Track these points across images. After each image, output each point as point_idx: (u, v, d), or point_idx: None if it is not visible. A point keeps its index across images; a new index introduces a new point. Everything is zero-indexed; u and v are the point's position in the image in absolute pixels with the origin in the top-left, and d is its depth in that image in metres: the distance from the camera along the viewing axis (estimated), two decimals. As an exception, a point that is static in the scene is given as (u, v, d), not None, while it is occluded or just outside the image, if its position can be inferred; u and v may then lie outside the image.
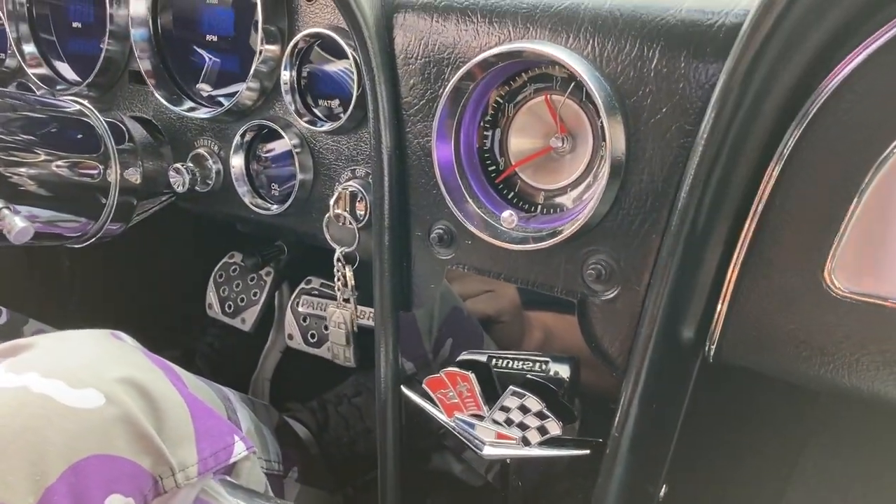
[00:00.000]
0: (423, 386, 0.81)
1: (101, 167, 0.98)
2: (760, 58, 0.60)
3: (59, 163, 0.93)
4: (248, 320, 1.56)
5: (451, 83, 0.73)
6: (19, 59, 1.14)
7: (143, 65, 1.00)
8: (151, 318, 1.62)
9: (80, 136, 0.96)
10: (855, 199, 0.62)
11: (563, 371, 0.78)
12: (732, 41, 0.62)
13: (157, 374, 0.75)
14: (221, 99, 1.03)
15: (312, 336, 1.41)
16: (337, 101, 0.92)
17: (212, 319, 1.60)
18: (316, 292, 1.41)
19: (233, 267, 1.58)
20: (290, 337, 1.44)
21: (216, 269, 1.59)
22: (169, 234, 1.59)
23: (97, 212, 0.98)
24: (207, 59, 1.00)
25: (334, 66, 0.90)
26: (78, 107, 0.98)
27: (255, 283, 1.55)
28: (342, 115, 0.88)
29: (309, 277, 1.44)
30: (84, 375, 0.69)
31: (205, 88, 1.02)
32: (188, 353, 1.62)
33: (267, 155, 1.00)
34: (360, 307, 1.03)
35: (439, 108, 0.75)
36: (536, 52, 0.70)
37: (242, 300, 1.56)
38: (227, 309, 1.57)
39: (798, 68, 0.63)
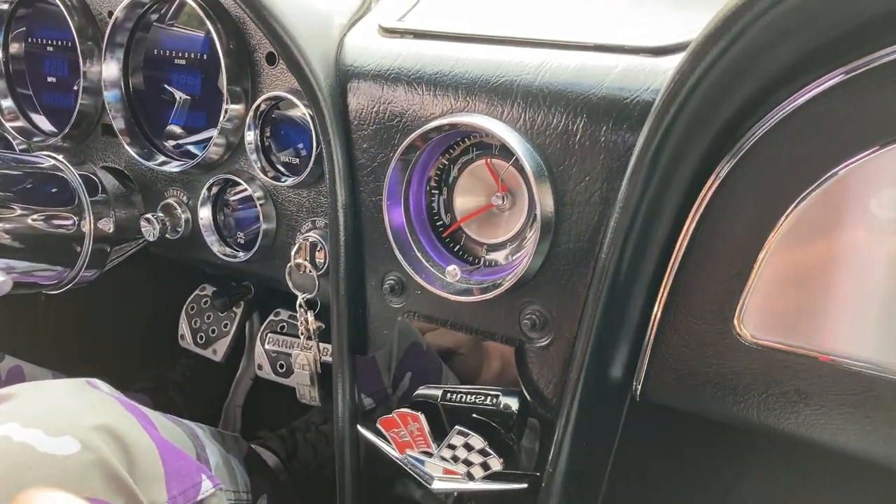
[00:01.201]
0: (378, 425, 0.88)
1: (75, 218, 1.03)
2: (668, 135, 0.68)
3: (35, 216, 0.99)
4: (219, 351, 1.61)
5: (397, 152, 0.81)
6: (-3, 112, 1.20)
7: (117, 123, 1.06)
8: (125, 350, 1.67)
9: (54, 190, 1.02)
10: (760, 257, 0.70)
11: (513, 404, 0.85)
12: (646, 116, 0.70)
13: (129, 420, 0.81)
14: (190, 148, 1.09)
15: (281, 367, 1.47)
16: (300, 153, 0.98)
17: (184, 350, 1.66)
18: (284, 325, 1.48)
19: (204, 299, 1.64)
20: (260, 367, 1.50)
21: (188, 301, 1.65)
22: (141, 268, 1.64)
23: (72, 260, 1.04)
24: (176, 105, 1.06)
25: (298, 114, 0.97)
26: (52, 162, 1.04)
27: (225, 315, 1.61)
28: (303, 169, 0.95)
29: (278, 309, 1.50)
30: (61, 424, 0.75)
31: (173, 135, 1.09)
32: (161, 384, 1.67)
33: (233, 199, 1.06)
34: (324, 345, 1.09)
35: (389, 174, 0.82)
36: (473, 125, 0.77)
37: (214, 331, 1.62)
38: (198, 340, 1.63)
39: (705, 142, 0.70)
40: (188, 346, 1.64)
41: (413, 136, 0.79)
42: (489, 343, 0.86)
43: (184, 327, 1.64)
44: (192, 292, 1.65)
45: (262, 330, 1.49)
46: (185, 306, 1.65)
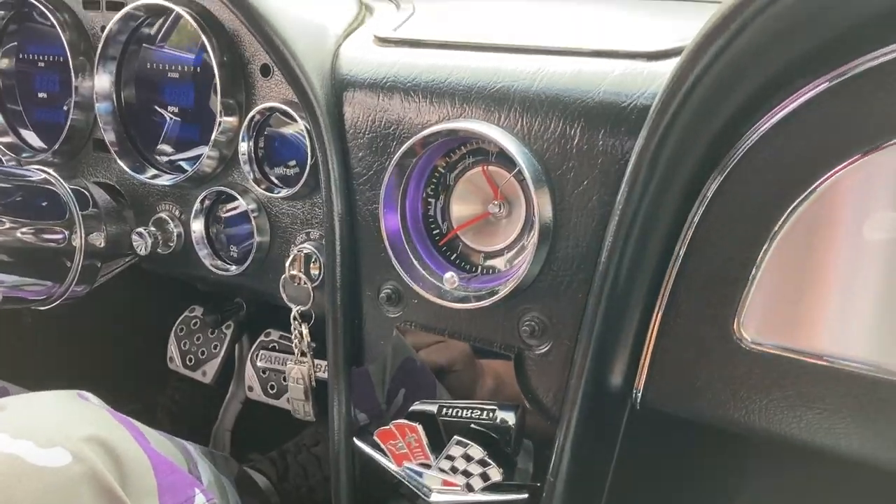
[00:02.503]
0: (374, 437, 0.86)
1: (66, 232, 1.02)
2: (665, 138, 0.68)
3: (25, 230, 0.97)
4: (208, 373, 1.59)
5: (394, 158, 0.80)
6: (-14, 128, 1.19)
7: (108, 136, 1.06)
8: (112, 372, 1.65)
9: (45, 204, 1.01)
10: (758, 260, 0.70)
11: (510, 418, 0.84)
12: (643, 121, 0.70)
13: (121, 431, 0.80)
14: (182, 163, 1.08)
15: (272, 387, 1.45)
16: (293, 167, 0.98)
17: (173, 372, 1.63)
18: (275, 345, 1.46)
19: (193, 321, 1.62)
20: (251, 389, 1.48)
21: (177, 322, 1.63)
22: (130, 289, 1.62)
23: (62, 275, 1.03)
24: (168, 119, 1.06)
25: (289, 131, 0.97)
26: (43, 175, 1.03)
27: (215, 337, 1.59)
28: (297, 181, 0.95)
29: (268, 330, 1.49)
30: (52, 435, 0.74)
31: (165, 151, 1.08)
32: (149, 407, 1.65)
33: (226, 216, 1.05)
34: (317, 361, 1.08)
35: (385, 180, 0.81)
36: (471, 131, 0.77)
37: (203, 353, 1.60)
38: (188, 362, 1.61)
39: (702, 145, 0.70)
40: (177, 368, 1.61)
41: (411, 141, 0.79)
42: (483, 360, 0.86)
43: (173, 349, 1.62)
44: (181, 313, 1.63)
45: (252, 351, 1.48)
46: (174, 328, 1.63)
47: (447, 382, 1.02)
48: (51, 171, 1.05)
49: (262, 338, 1.48)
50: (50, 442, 0.73)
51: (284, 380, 1.44)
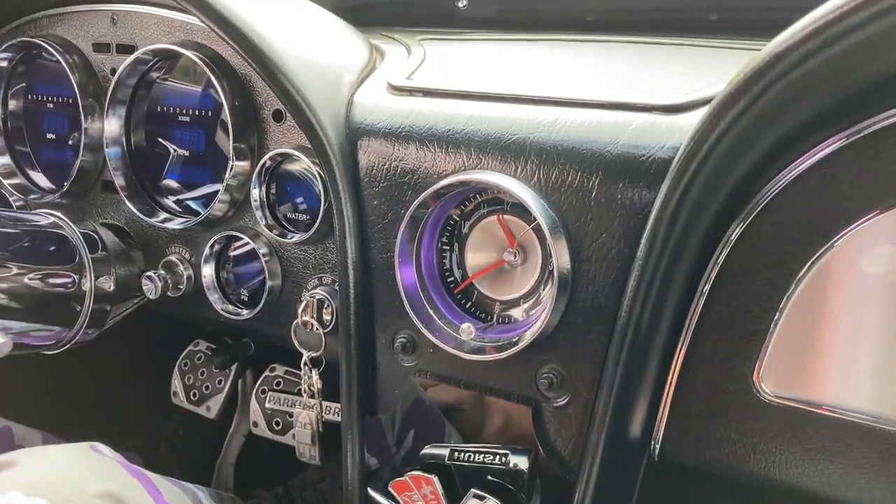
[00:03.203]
0: (389, 489, 0.85)
1: (75, 277, 1.02)
2: (687, 193, 0.68)
3: (34, 275, 0.97)
4: (213, 408, 1.58)
5: (408, 211, 0.80)
6: (-6, 170, 1.19)
7: (118, 180, 1.05)
8: (116, 407, 1.64)
9: (53, 248, 1.01)
10: (777, 312, 0.70)
11: (522, 463, 0.83)
12: (663, 174, 0.70)
13: (134, 486, 0.79)
14: (190, 203, 1.08)
15: (277, 423, 1.44)
16: (305, 211, 0.98)
17: (176, 407, 1.62)
18: (280, 380, 1.45)
19: (198, 355, 1.61)
20: (255, 424, 1.47)
21: (181, 357, 1.62)
22: (134, 321, 1.61)
23: (72, 320, 1.02)
24: (172, 152, 1.06)
25: (302, 175, 0.96)
26: (52, 219, 1.03)
27: (219, 371, 1.58)
28: (310, 225, 0.94)
29: (273, 365, 1.48)
30: (65, 492, 0.73)
31: (173, 189, 1.08)
32: (153, 441, 1.63)
33: (235, 254, 1.05)
34: (325, 402, 1.07)
35: (399, 234, 0.81)
36: (487, 183, 0.77)
37: (207, 388, 1.58)
38: (192, 397, 1.59)
39: (722, 198, 0.70)
40: (181, 402, 1.60)
41: (425, 194, 0.79)
42: (492, 399, 0.85)
43: (177, 384, 1.61)
44: (185, 348, 1.62)
45: (257, 386, 1.46)
46: (178, 362, 1.62)
47: (456, 421, 1.01)
48: (59, 213, 1.04)
49: (267, 373, 1.47)
50: (64, 499, 0.72)
51: (290, 416, 1.43)
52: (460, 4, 1.17)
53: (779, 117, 0.64)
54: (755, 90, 0.60)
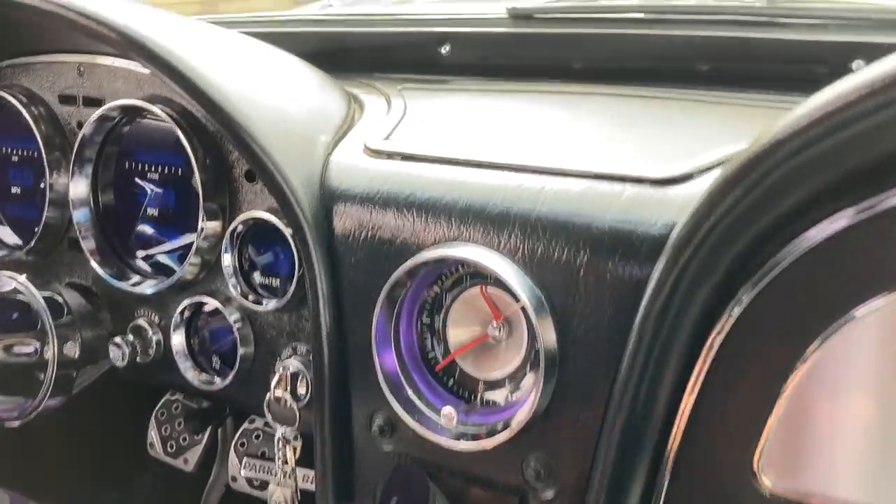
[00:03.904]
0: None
1: (37, 344, 0.96)
2: (683, 275, 0.63)
3: (-6, 346, 0.92)
4: (190, 460, 1.52)
5: (381, 295, 0.75)
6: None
7: (87, 244, 1.00)
8: (89, 461, 1.58)
9: (15, 316, 0.96)
10: (778, 399, 0.65)
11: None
12: (656, 252, 0.66)
13: None
14: (160, 258, 1.03)
15: (256, 481, 1.38)
16: (278, 277, 0.93)
17: (153, 459, 1.56)
18: (258, 434, 1.40)
19: (175, 404, 1.55)
20: (234, 479, 1.41)
21: (158, 407, 1.56)
22: (109, 371, 1.56)
23: (35, 390, 0.97)
24: (149, 190, 1.01)
25: (276, 237, 0.91)
26: (14, 284, 0.98)
27: (198, 423, 1.53)
28: (284, 291, 0.89)
29: (252, 416, 1.43)
30: None
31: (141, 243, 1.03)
32: (127, 497, 1.58)
33: (207, 319, 1.00)
34: (303, 470, 1.02)
35: (376, 314, 0.76)
36: (466, 260, 0.72)
37: (185, 440, 1.53)
38: (168, 449, 1.54)
39: (718, 278, 0.66)
40: (157, 455, 1.54)
41: (399, 271, 0.74)
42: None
43: (153, 434, 1.55)
44: (161, 397, 1.57)
45: (236, 439, 1.41)
46: (154, 412, 1.57)
47: (441, 482, 0.96)
48: (22, 277, 0.99)
49: (246, 425, 1.42)
50: None
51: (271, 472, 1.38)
52: (443, 51, 1.13)
53: (781, 197, 0.60)
54: (752, 177, 0.56)
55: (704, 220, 0.60)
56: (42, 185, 1.08)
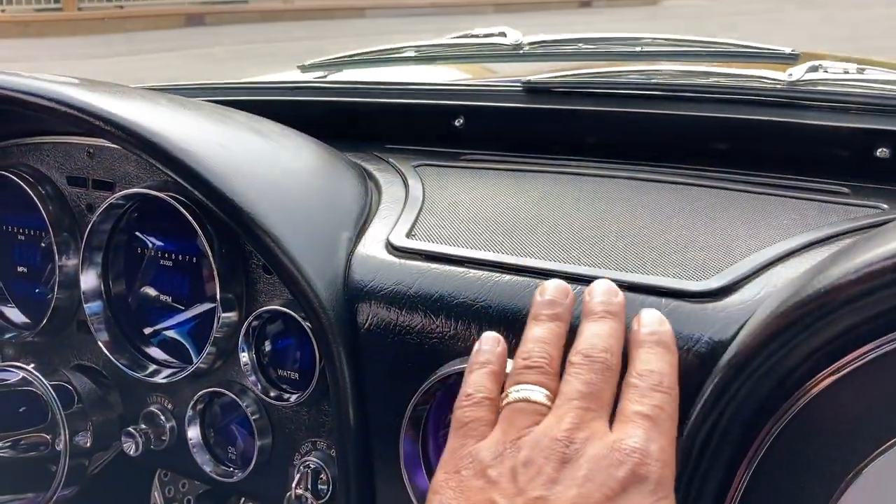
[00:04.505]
0: None
1: (48, 438, 0.94)
2: (726, 408, 0.62)
3: (3, 444, 0.89)
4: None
5: (408, 410, 0.74)
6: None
7: (100, 336, 0.97)
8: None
9: (23, 409, 0.93)
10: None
11: None
12: (700, 371, 0.64)
13: None
14: (173, 334, 1.00)
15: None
16: (297, 370, 0.91)
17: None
18: None
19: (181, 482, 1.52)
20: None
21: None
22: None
23: (47, 483, 0.94)
24: (162, 277, 0.99)
25: (292, 321, 0.89)
26: (21, 375, 0.95)
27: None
28: (305, 385, 0.88)
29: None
30: None
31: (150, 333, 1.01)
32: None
33: (222, 405, 0.97)
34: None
35: (402, 432, 0.75)
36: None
37: (189, 502, 1.50)
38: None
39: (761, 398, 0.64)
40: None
41: (419, 394, 0.74)
42: None
43: (157, 496, 1.52)
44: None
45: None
46: (157, 473, 1.54)
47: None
48: (30, 367, 0.97)
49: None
50: None
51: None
52: (457, 123, 1.12)
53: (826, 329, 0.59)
54: (773, 348, 0.55)
55: (757, 355, 0.58)
56: (50, 266, 1.06)
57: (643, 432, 0.56)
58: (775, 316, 0.57)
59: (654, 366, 0.60)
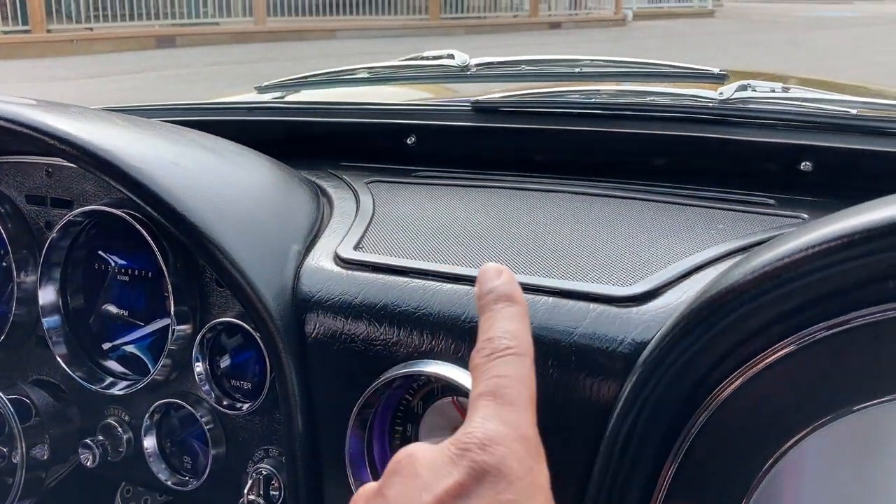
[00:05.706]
0: None
1: (4, 450, 0.96)
2: (647, 400, 0.66)
3: (-40, 457, 0.91)
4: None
5: (354, 410, 0.77)
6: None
7: (57, 349, 0.99)
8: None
9: (-20, 422, 0.95)
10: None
11: None
12: (623, 371, 0.68)
13: None
14: (129, 348, 1.03)
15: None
16: (249, 380, 0.94)
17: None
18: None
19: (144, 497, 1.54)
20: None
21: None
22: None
23: (3, 495, 0.96)
24: (119, 291, 1.01)
25: (245, 333, 0.92)
26: (-21, 390, 0.97)
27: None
28: (257, 394, 0.90)
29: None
30: None
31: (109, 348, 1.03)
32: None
33: (178, 415, 1.00)
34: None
35: (348, 431, 0.78)
36: (437, 375, 0.75)
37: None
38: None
39: (683, 394, 0.68)
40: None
41: (366, 394, 0.76)
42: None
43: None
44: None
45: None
46: (119, 489, 1.55)
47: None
48: (-12, 381, 0.99)
49: None
50: None
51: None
52: (408, 141, 1.16)
53: (732, 329, 0.63)
54: (704, 325, 0.59)
55: (670, 351, 0.63)
56: (10, 284, 1.08)
57: (483, 414, 0.46)
58: (684, 315, 0.61)
59: (494, 329, 0.49)
